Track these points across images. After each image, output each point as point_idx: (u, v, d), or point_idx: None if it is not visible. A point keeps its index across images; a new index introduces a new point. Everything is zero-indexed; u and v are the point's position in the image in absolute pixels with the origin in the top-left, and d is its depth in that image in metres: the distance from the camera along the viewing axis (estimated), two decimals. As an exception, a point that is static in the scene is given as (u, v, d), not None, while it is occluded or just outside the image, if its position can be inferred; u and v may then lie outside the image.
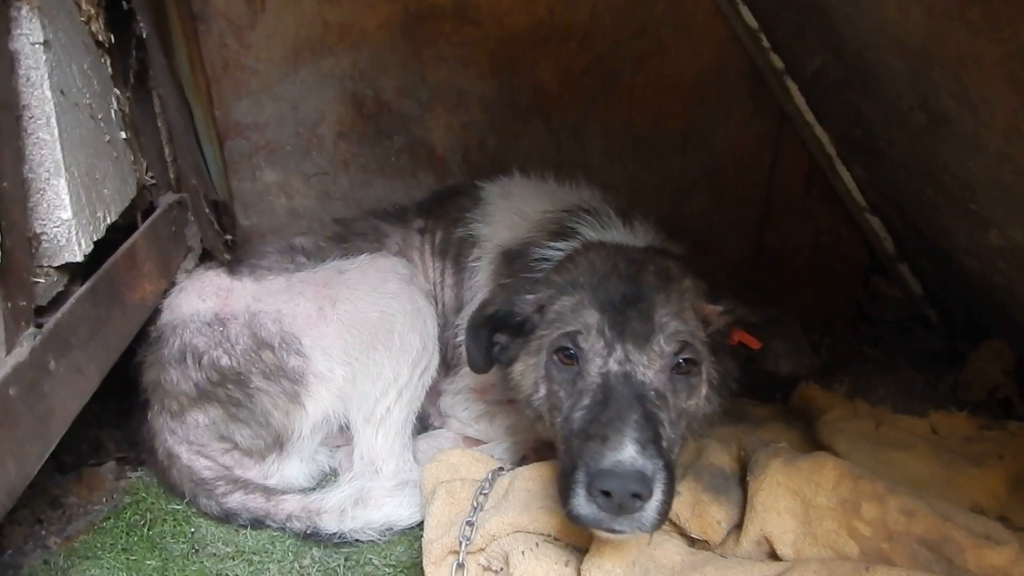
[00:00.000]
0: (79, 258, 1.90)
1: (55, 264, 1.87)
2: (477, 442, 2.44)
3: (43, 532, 2.18)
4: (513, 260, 2.26)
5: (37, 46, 1.77)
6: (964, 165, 2.02)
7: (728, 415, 2.51)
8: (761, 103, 2.94)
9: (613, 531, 1.58)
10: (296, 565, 2.08)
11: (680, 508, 1.93)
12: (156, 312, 2.37)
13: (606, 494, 1.52)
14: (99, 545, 2.14)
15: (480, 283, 2.37)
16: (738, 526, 1.90)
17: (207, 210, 2.57)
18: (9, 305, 1.61)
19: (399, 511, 2.15)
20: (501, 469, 2.02)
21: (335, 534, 2.12)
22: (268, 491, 2.25)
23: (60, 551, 2.11)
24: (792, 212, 3.12)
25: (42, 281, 1.83)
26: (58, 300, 1.86)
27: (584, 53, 2.90)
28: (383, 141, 3.03)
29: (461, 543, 1.79)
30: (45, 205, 1.84)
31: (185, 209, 2.60)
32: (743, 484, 1.93)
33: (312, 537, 2.14)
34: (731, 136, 3.01)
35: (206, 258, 2.62)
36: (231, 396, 2.25)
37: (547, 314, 1.86)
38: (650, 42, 2.88)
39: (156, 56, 2.39)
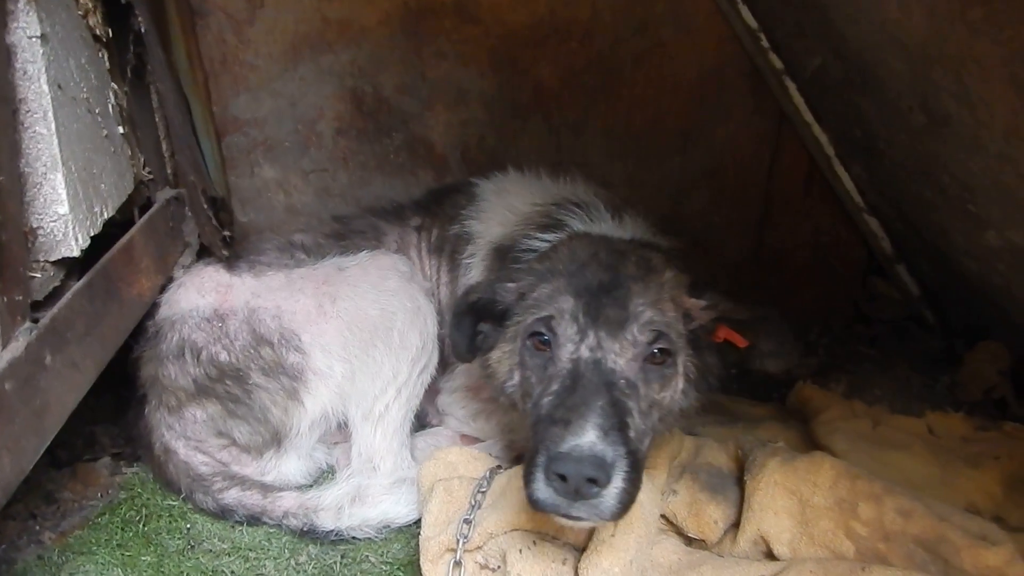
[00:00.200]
0: (76, 253, 1.89)
1: (51, 259, 1.86)
2: (475, 440, 2.44)
3: (37, 527, 2.17)
4: (504, 255, 2.26)
5: (34, 40, 1.76)
6: (963, 166, 2.02)
7: (724, 413, 2.53)
8: (761, 102, 2.94)
9: (570, 517, 1.56)
10: (292, 562, 2.07)
11: (677, 507, 1.93)
12: (154, 307, 2.37)
13: (562, 478, 1.51)
14: (94, 541, 2.13)
15: (473, 279, 2.37)
16: (735, 525, 1.90)
17: (205, 206, 2.56)
18: (5, 299, 1.61)
19: (396, 509, 2.15)
20: (499, 467, 2.02)
21: (332, 531, 2.11)
22: (265, 488, 2.24)
23: (54, 546, 2.11)
24: (791, 212, 3.13)
25: (38, 276, 1.82)
26: (54, 295, 1.85)
27: (584, 51, 2.90)
28: (382, 138, 3.03)
29: (459, 541, 1.79)
30: (42, 199, 1.83)
31: (183, 205, 2.59)
32: (740, 483, 1.94)
33: (309, 534, 2.13)
34: (731, 135, 3.02)
35: (203, 254, 2.61)
36: (229, 392, 2.24)
37: (526, 300, 1.86)
38: (650, 41, 2.88)
39: (154, 51, 2.38)
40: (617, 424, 1.58)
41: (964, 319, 2.89)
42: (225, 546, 2.12)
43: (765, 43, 2.77)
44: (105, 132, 2.15)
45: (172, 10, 2.66)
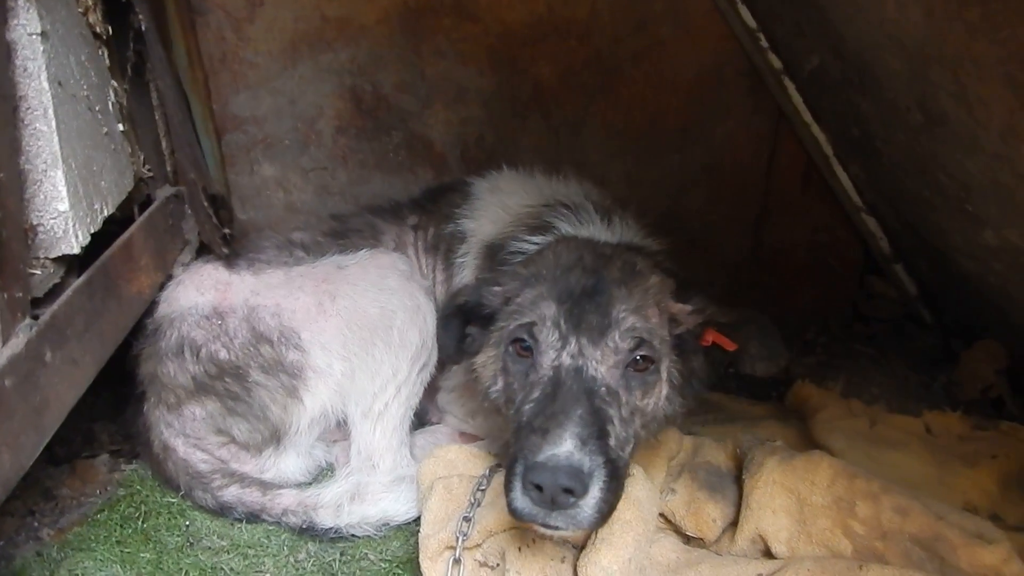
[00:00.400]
0: (76, 250, 1.89)
1: (52, 256, 1.86)
2: (474, 438, 2.45)
3: (36, 524, 2.18)
4: (494, 255, 2.26)
5: (35, 37, 1.76)
6: (961, 165, 2.03)
7: (723, 412, 2.54)
8: (759, 101, 2.95)
9: (548, 526, 1.56)
10: (291, 559, 2.08)
11: (676, 506, 1.94)
12: (153, 305, 2.37)
13: (538, 488, 1.50)
14: (93, 537, 2.13)
15: (466, 279, 2.37)
16: (733, 524, 1.91)
17: (205, 204, 2.56)
18: (5, 296, 1.61)
19: (396, 506, 2.15)
20: (499, 465, 2.02)
21: (331, 529, 2.12)
22: (264, 485, 2.24)
23: (53, 543, 2.11)
24: (789, 211, 3.13)
25: (38, 272, 1.82)
26: (54, 292, 1.85)
27: (583, 50, 2.90)
28: (381, 136, 3.03)
29: (458, 539, 1.79)
30: (42, 196, 1.83)
31: (182, 202, 2.59)
32: (739, 482, 1.95)
33: (308, 532, 2.13)
34: (729, 134, 3.02)
35: (203, 252, 2.61)
36: (229, 390, 2.25)
37: (510, 305, 1.85)
38: (649, 39, 2.88)
39: (154, 48, 2.38)
40: (596, 433, 1.58)
41: (961, 318, 2.90)
42: (224, 543, 2.13)
43: (764, 42, 2.78)
44: (105, 129, 2.15)
45: (172, 8, 2.66)
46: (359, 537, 2.13)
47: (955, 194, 2.16)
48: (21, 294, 1.68)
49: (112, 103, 2.23)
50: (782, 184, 3.09)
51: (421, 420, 2.54)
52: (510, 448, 1.71)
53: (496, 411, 1.93)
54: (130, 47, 2.35)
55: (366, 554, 2.09)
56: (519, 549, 1.78)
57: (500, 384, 1.85)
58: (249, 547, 2.11)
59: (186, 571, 2.02)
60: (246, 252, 2.51)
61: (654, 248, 2.19)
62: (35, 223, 1.83)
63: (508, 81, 2.94)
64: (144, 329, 2.34)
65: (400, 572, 2.03)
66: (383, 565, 2.06)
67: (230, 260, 2.46)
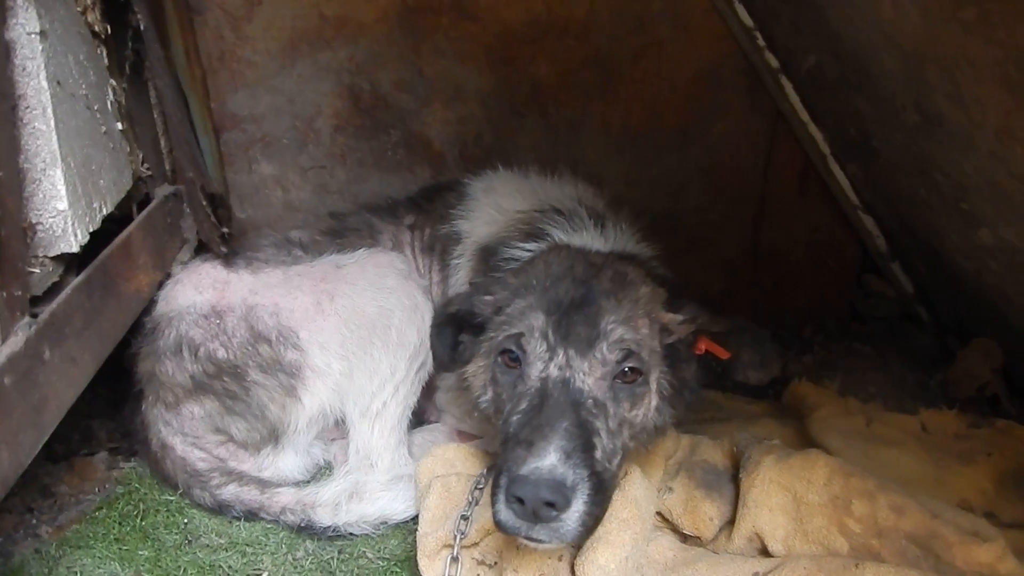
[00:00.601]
0: (75, 248, 1.89)
1: (51, 254, 1.86)
2: (472, 437, 2.45)
3: (34, 521, 2.18)
4: (488, 258, 2.25)
5: (33, 36, 1.76)
6: (957, 165, 2.04)
7: (720, 410, 2.55)
8: (757, 100, 2.95)
9: (531, 539, 1.56)
10: (290, 557, 2.08)
11: (673, 504, 1.94)
12: (151, 303, 2.37)
13: (520, 501, 1.50)
14: (91, 535, 2.13)
15: (461, 281, 2.37)
16: (730, 522, 1.91)
17: (203, 202, 2.56)
18: (4, 294, 1.61)
19: (394, 505, 2.16)
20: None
21: (329, 527, 2.12)
22: (263, 484, 2.25)
23: (51, 540, 2.11)
24: (787, 209, 3.14)
25: (37, 271, 1.82)
26: (53, 290, 1.85)
27: (582, 49, 2.91)
28: (380, 135, 3.03)
29: (456, 537, 1.80)
30: (41, 195, 1.83)
31: (181, 201, 2.59)
32: (736, 481, 1.95)
33: (306, 530, 2.14)
34: (727, 133, 3.03)
35: (201, 250, 2.61)
36: (227, 389, 2.25)
37: (500, 315, 1.85)
38: (647, 38, 2.89)
39: (152, 47, 2.37)
40: (582, 446, 1.58)
41: (958, 317, 2.91)
42: (222, 541, 2.13)
43: (761, 42, 2.79)
44: (104, 128, 2.15)
45: (170, 7, 2.65)
46: (357, 535, 2.13)
47: (951, 193, 2.16)
48: (20, 292, 1.68)
49: (111, 102, 2.23)
50: (779, 183, 3.10)
51: (419, 419, 2.55)
52: (497, 459, 1.71)
53: (487, 420, 1.93)
54: (128, 46, 2.35)
55: (364, 552, 2.10)
56: (517, 547, 1.78)
57: (489, 394, 1.85)
58: (247, 545, 2.12)
59: (184, 569, 2.02)
60: (244, 251, 2.51)
61: (647, 254, 2.18)
62: (34, 221, 1.83)
63: (506, 80, 2.95)
64: (142, 327, 2.35)
65: (398, 570, 2.04)
66: (381, 563, 2.06)
67: (228, 259, 2.46)
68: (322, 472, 2.45)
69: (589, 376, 1.69)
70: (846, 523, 1.78)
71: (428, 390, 2.50)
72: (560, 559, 1.78)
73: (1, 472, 1.53)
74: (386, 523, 2.15)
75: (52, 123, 1.80)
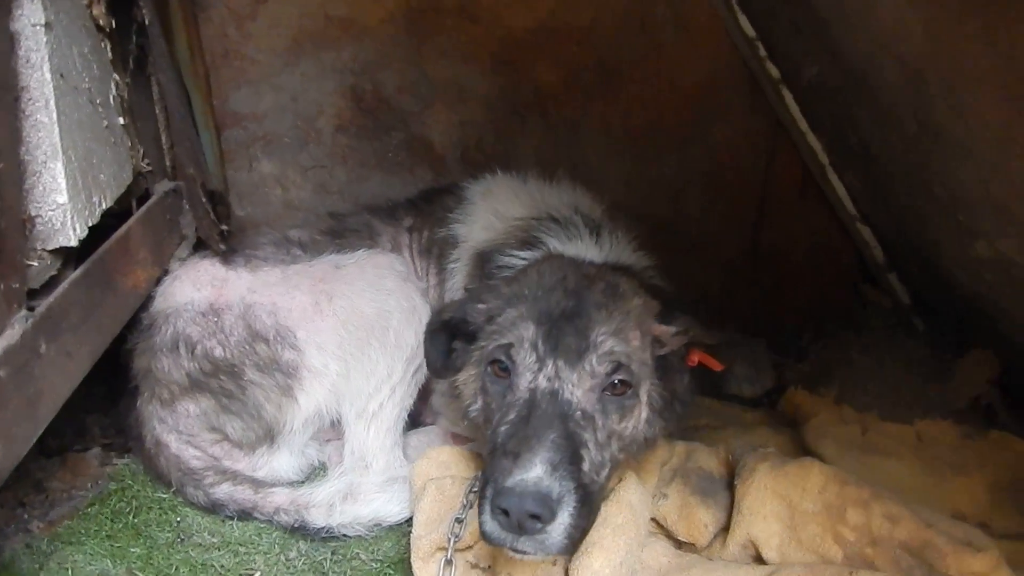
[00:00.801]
0: (73, 242, 1.88)
1: (49, 247, 1.85)
2: (467, 440, 2.45)
3: (26, 516, 2.16)
4: (484, 263, 2.25)
5: (38, 27, 1.76)
6: (954, 176, 2.05)
7: (715, 417, 2.54)
8: (757, 105, 2.97)
9: (517, 551, 1.55)
10: (282, 557, 2.07)
11: (668, 511, 1.94)
12: (148, 299, 2.36)
13: (505, 512, 1.50)
14: (83, 531, 2.12)
15: (457, 285, 2.37)
16: (725, 529, 1.91)
17: (203, 199, 2.55)
18: (1, 286, 1.60)
19: (388, 507, 2.15)
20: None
21: (323, 528, 2.11)
22: (257, 483, 2.24)
23: (43, 536, 2.09)
24: (786, 215, 3.16)
25: (35, 264, 1.81)
26: (51, 284, 1.85)
27: (584, 53, 2.92)
28: (382, 136, 3.04)
29: (450, 539, 1.79)
30: (41, 188, 1.82)
31: (181, 197, 2.58)
32: (731, 488, 1.95)
33: (299, 531, 2.13)
34: (727, 139, 3.05)
35: (200, 247, 2.60)
36: (223, 387, 2.24)
37: (492, 324, 1.84)
38: (650, 44, 2.91)
39: (156, 42, 2.37)
40: (569, 458, 1.57)
41: (953, 327, 2.92)
42: (215, 540, 2.12)
43: (762, 52, 2.80)
44: (106, 122, 2.15)
45: (175, 3, 2.66)
46: (351, 537, 2.12)
47: (948, 204, 2.17)
48: (17, 285, 1.67)
49: (113, 96, 2.23)
50: (779, 188, 3.12)
51: (415, 421, 2.54)
52: (484, 470, 1.71)
53: (476, 429, 1.93)
54: (132, 40, 2.35)
55: (357, 554, 2.09)
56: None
57: (479, 403, 1.85)
58: (240, 544, 2.11)
59: (176, 567, 2.01)
60: (243, 249, 2.51)
61: (643, 264, 2.18)
62: (33, 214, 1.83)
63: (509, 83, 2.96)
64: (139, 323, 2.34)
65: (391, 572, 2.03)
66: (374, 565, 2.06)
67: (227, 256, 2.46)
68: (316, 473, 2.44)
69: (578, 388, 1.69)
70: (840, 531, 1.78)
71: (424, 392, 2.50)
72: (554, 563, 1.77)
73: (-5, 465, 1.53)
74: (380, 525, 2.14)
75: (54, 116, 1.80)
